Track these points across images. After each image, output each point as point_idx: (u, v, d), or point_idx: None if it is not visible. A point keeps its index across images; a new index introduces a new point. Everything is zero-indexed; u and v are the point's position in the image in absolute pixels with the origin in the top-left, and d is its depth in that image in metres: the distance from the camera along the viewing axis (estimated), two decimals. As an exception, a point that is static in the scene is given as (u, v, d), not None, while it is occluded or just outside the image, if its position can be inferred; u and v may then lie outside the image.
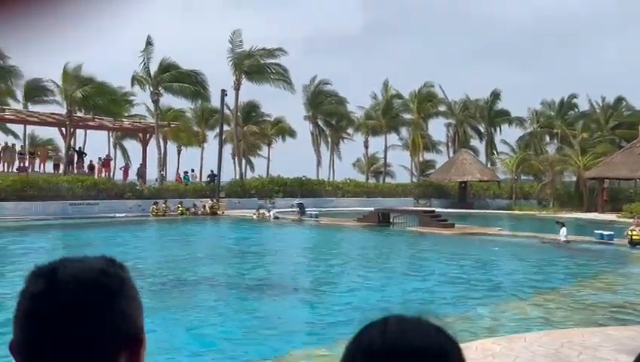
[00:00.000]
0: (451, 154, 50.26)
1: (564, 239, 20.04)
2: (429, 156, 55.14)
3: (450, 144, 53.63)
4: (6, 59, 31.81)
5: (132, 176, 38.42)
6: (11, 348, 0.86)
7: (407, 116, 50.07)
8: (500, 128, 54.23)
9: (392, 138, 51.41)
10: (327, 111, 48.43)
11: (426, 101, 49.51)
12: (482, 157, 50.98)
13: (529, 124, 52.55)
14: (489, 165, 49.07)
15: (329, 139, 50.89)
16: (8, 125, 41.52)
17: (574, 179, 42.26)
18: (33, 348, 0.83)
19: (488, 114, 52.74)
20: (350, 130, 52.02)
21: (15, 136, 42.71)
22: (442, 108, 52.17)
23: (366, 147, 52.06)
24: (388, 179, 51.87)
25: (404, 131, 51.33)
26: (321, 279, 13.54)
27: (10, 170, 33.25)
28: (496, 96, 52.99)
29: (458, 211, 35.87)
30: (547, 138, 52.63)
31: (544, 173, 43.74)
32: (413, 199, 42.92)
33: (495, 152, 53.22)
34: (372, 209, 29.46)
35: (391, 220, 27.49)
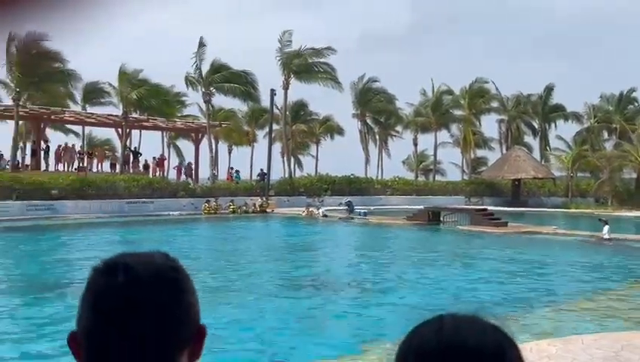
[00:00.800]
0: (504, 151, 49.10)
1: (607, 237, 19.41)
2: (480, 153, 54.10)
3: (502, 141, 52.39)
4: (66, 63, 33.15)
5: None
6: (71, 341, 0.86)
7: (458, 112, 49.23)
8: (555, 124, 52.60)
9: (443, 135, 50.70)
10: (375, 108, 48.17)
11: (478, 97, 48.53)
12: (536, 154, 49.54)
13: (585, 119, 50.71)
14: (543, 162, 47.64)
15: (377, 137, 50.62)
16: (68, 126, 43.29)
17: (634, 176, 40.55)
18: (101, 343, 0.84)
19: (542, 109, 51.21)
20: (399, 128, 51.58)
21: (76, 135, 44.57)
22: (494, 104, 51.05)
23: (415, 144, 51.53)
24: (438, 177, 51.16)
25: (454, 128, 50.55)
26: (371, 278, 13.50)
27: (70, 170, 34.67)
28: (550, 90, 51.40)
29: (511, 209, 35.01)
30: (605, 134, 50.67)
31: (602, 170, 42.14)
32: (464, 197, 42.17)
33: (549, 149, 51.65)
34: (422, 207, 29.14)
35: (441, 219, 27.11)
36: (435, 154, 50.53)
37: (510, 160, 42.71)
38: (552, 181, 43.86)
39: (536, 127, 52.51)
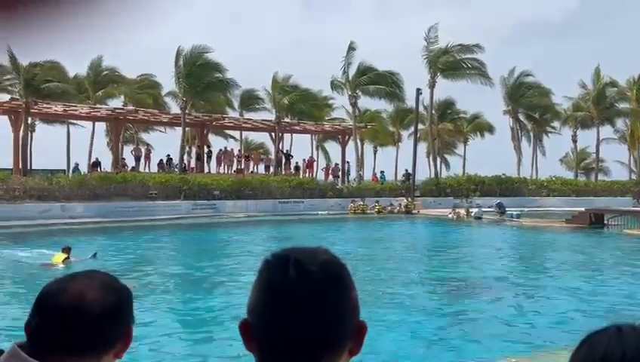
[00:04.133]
0: (680, 147, 43.75)
1: None
2: (651, 150, 48.70)
3: (678, 135, 46.67)
4: (225, 73, 35.82)
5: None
6: (244, 329, 0.90)
7: (624, 106, 44.77)
8: None
9: (606, 131, 46.49)
10: (528, 104, 45.43)
11: (648, 88, 43.72)
12: None
13: None
14: None
15: (531, 134, 47.77)
16: (227, 131, 46.76)
17: None
18: (282, 333, 0.87)
19: None
20: (556, 124, 48.22)
21: (234, 140, 48.05)
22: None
23: (574, 141, 47.75)
24: (601, 176, 46.99)
25: (620, 123, 46.07)
26: (523, 285, 12.83)
27: (229, 172, 37.39)
28: None
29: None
30: None
31: None
32: (631, 198, 38.29)
33: None
34: (582, 209, 26.98)
35: (605, 222, 24.90)
36: (597, 152, 46.42)
37: (689, 157, 37.92)
38: None
39: None
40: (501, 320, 9.25)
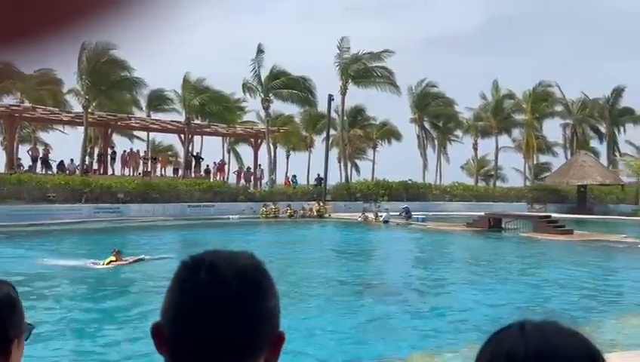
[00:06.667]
0: (568, 157, 47.40)
1: None
2: (543, 158, 52.42)
3: (567, 145, 50.57)
4: (132, 71, 34.45)
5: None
6: (156, 333, 0.87)
7: (520, 117, 47.91)
8: (624, 128, 50.33)
9: (504, 140, 49.48)
10: (434, 113, 47.56)
11: (541, 101, 47.01)
12: (603, 160, 47.56)
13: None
14: (611, 168, 45.65)
15: (436, 142, 49.93)
16: (133, 132, 45.00)
17: None
18: (190, 337, 0.83)
19: (610, 113, 49.11)
20: (458, 132, 50.75)
21: (141, 141, 46.29)
22: (558, 108, 49.32)
23: (475, 149, 50.45)
24: (499, 183, 49.91)
25: (516, 132, 49.22)
26: (428, 285, 13.30)
27: (134, 174, 35.99)
28: (618, 93, 49.24)
29: (577, 217, 33.69)
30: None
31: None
32: (526, 204, 40.96)
33: (618, 154, 49.42)
34: (482, 213, 28.48)
35: (503, 226, 26.42)
36: (496, 160, 49.38)
37: (575, 165, 41.15)
38: (620, 187, 41.93)
39: (603, 131, 50.38)
40: (407, 319, 9.51)
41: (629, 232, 24.66)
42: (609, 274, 14.92)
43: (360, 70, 40.06)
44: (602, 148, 50.67)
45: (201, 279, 0.85)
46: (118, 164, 36.53)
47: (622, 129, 50.32)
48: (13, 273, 11.52)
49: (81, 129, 33.64)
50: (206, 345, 0.83)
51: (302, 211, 33.18)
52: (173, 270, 0.89)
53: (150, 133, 44.19)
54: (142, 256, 14.88)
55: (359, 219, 30.63)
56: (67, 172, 33.16)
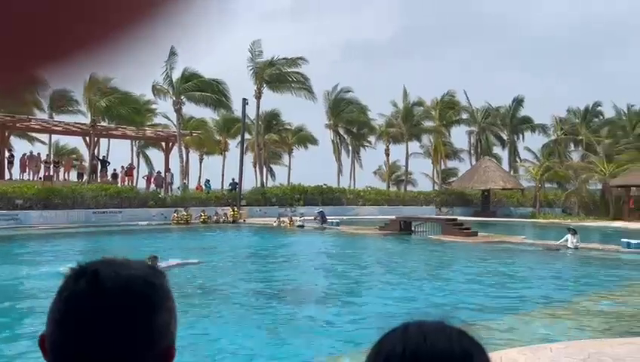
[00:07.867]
0: (474, 162, 49.83)
1: (573, 246, 19.86)
2: (451, 164, 54.87)
3: (472, 152, 53.20)
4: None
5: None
6: (41, 343, 0.84)
7: (429, 124, 49.80)
8: (523, 136, 53.69)
9: (414, 146, 51.24)
10: (348, 119, 48.40)
11: (448, 108, 49.19)
12: (505, 165, 50.44)
13: (552, 131, 51.87)
14: (512, 173, 48.49)
15: (350, 147, 50.82)
16: (34, 134, 42.30)
17: (600, 187, 41.51)
18: (66, 347, 0.80)
19: (511, 121, 52.21)
20: (371, 138, 51.96)
21: (42, 144, 43.58)
22: (464, 115, 51.82)
23: (387, 155, 51.88)
24: (409, 188, 51.58)
25: (425, 139, 51.12)
26: (342, 287, 13.42)
27: (35, 179, 33.82)
28: (519, 103, 52.48)
29: (481, 219, 35.44)
30: (572, 145, 51.87)
31: (568, 181, 43.03)
32: (435, 207, 42.57)
33: (518, 160, 52.60)
34: (393, 217, 29.25)
35: (413, 229, 27.25)
36: (406, 165, 51.05)
37: (480, 170, 43.33)
38: (520, 192, 44.59)
39: (505, 138, 53.45)
40: (322, 321, 9.49)
41: (527, 234, 26.26)
42: (509, 274, 15.71)
43: (274, 75, 40.03)
44: (504, 155, 53.87)
45: (79, 288, 0.81)
46: (16, 169, 34.21)
47: (521, 136, 53.68)
48: None
49: (-26, 130, 31.21)
50: (82, 357, 0.79)
51: (216, 216, 32.58)
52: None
53: (52, 136, 41.75)
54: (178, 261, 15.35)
55: (274, 224, 30.51)
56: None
